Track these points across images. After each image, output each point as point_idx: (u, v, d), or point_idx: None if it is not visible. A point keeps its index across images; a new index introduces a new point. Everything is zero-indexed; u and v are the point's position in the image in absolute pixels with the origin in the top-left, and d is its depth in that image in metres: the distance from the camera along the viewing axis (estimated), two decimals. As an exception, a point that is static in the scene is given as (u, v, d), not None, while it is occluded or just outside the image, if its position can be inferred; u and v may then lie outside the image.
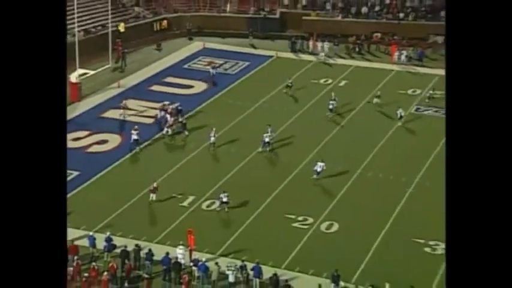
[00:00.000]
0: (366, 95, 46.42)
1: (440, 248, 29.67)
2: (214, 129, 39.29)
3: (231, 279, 27.46)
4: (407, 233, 31.05)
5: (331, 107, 42.95)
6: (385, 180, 35.92)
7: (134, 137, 38.72)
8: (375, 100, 45.10)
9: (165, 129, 40.76)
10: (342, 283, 27.13)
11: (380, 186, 35.53)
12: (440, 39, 54.57)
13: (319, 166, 35.63)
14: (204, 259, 28.46)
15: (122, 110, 42.74)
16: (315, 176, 35.69)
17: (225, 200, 32.77)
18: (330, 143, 40.16)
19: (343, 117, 43.45)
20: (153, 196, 33.35)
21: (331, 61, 53.02)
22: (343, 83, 49.00)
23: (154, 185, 33.44)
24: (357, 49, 54.48)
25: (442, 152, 38.03)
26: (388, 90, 47.01)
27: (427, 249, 29.94)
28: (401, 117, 42.06)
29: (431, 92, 46.58)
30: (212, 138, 38.76)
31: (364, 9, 58.65)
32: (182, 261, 28.50)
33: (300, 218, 32.32)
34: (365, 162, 37.62)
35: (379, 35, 56.06)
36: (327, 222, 32.17)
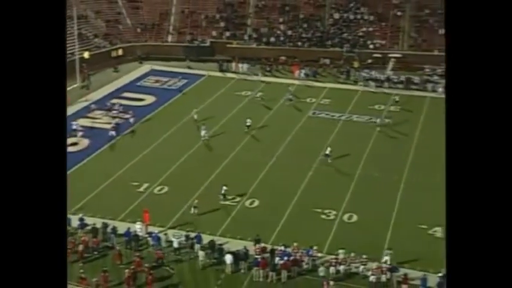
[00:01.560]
0: (277, 101, 46.67)
1: (333, 214, 30.17)
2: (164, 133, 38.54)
3: (175, 245, 27.22)
4: (309, 205, 31.31)
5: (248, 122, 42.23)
6: (291, 165, 36.09)
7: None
8: (287, 103, 45.80)
9: (118, 133, 40.05)
10: (262, 244, 27.10)
11: (288, 171, 35.62)
12: (327, 61, 55.53)
13: (328, 150, 36.38)
14: (156, 231, 28.07)
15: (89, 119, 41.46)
16: (329, 160, 36.01)
17: (223, 192, 31.58)
18: (257, 131, 40.10)
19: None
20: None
21: (249, 78, 53.01)
22: (259, 94, 49.09)
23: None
24: (268, 68, 54.81)
25: (330, 139, 38.78)
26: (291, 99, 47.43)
27: (323, 216, 30.29)
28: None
29: (325, 100, 47.31)
30: (160, 139, 38.03)
31: (272, 39, 59.00)
32: (140, 234, 28.02)
33: (230, 197, 32.10)
34: (280, 150, 37.77)
35: (283, 58, 56.52)
36: (250, 200, 32.09)
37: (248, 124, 41.13)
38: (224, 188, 31.96)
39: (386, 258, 25.77)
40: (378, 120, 41.95)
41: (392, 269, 25.13)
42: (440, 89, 47.57)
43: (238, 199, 32.00)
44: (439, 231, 28.24)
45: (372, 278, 24.86)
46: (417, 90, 49.44)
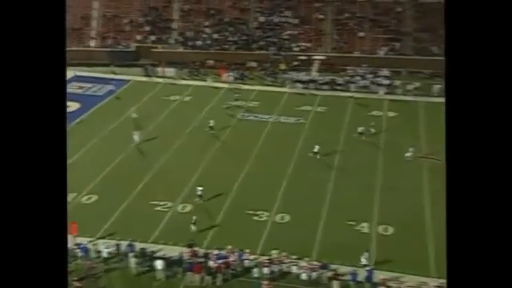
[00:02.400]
0: (206, 105, 46.61)
1: (265, 215, 30.60)
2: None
3: (105, 254, 26.79)
4: (242, 207, 31.58)
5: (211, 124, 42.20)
6: (223, 168, 36.23)
7: None
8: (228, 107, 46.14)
9: None
10: (195, 248, 27.08)
11: (219, 174, 35.71)
12: (254, 64, 56.13)
13: (316, 148, 37.34)
14: (85, 242, 27.41)
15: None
16: (318, 156, 37.02)
17: (199, 193, 31.66)
18: (190, 136, 39.86)
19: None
20: None
21: (176, 82, 52.63)
22: (187, 98, 48.86)
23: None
24: (195, 72, 54.64)
25: (261, 141, 39.26)
26: (222, 103, 47.61)
27: (256, 218, 30.65)
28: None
29: (254, 102, 47.81)
30: (88, 146, 37.10)
31: (198, 43, 58.86)
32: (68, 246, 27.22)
33: (162, 203, 31.79)
34: (211, 153, 37.77)
35: (211, 61, 56.52)
36: (182, 205, 31.93)
37: (211, 125, 41.43)
38: (199, 188, 31.90)
39: (363, 259, 26.10)
40: (360, 129, 41.23)
41: (323, 266, 25.84)
42: (353, 88, 49.31)
43: (170, 204, 31.75)
44: (366, 227, 29.33)
45: (304, 276, 25.46)
46: (341, 90, 51.03)
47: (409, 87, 50.14)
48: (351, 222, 29.89)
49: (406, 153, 37.79)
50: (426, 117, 44.65)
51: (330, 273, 25.48)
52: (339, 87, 51.32)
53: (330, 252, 27.00)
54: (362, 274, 25.29)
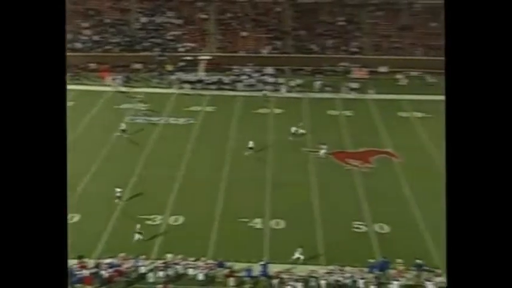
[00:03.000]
0: (91, 109, 44.93)
1: (159, 218, 30.21)
2: None
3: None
4: (133, 212, 30.90)
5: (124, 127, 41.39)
6: (111, 174, 35.22)
7: None
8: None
9: None
10: (85, 259, 26.10)
11: (108, 181, 34.65)
12: (139, 65, 55.07)
13: (251, 144, 37.87)
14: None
15: None
16: (247, 154, 37.49)
17: (118, 194, 31.25)
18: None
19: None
20: None
21: (57, 87, 50.10)
22: (71, 103, 46.74)
23: None
24: (76, 77, 52.44)
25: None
26: (105, 106, 46.17)
27: (149, 222, 30.17)
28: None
29: (146, 105, 46.99)
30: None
31: (78, 45, 56.55)
32: None
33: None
34: (97, 159, 36.45)
35: (93, 64, 54.57)
36: (70, 215, 30.60)
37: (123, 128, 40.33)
38: (118, 190, 31.30)
39: (297, 255, 26.28)
40: (293, 129, 41.38)
41: (219, 264, 26.06)
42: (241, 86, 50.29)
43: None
44: (259, 223, 30.00)
45: (200, 276, 25.51)
46: (229, 90, 51.60)
47: (293, 83, 51.93)
48: (244, 219, 30.39)
49: (310, 150, 39.09)
50: (310, 112, 46.50)
51: (225, 271, 25.74)
52: (226, 87, 51.86)
53: (225, 250, 27.27)
54: (257, 269, 25.83)
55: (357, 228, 29.70)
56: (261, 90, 51.31)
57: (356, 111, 46.53)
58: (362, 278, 25.03)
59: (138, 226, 28.53)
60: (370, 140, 40.63)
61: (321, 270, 25.72)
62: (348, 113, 46.31)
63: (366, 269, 25.57)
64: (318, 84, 51.58)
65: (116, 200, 31.43)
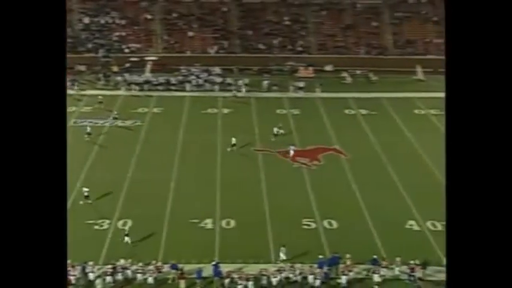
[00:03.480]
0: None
1: (106, 223, 29.57)
2: None
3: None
4: (81, 217, 30.14)
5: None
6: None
7: None
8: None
9: None
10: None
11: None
12: (83, 67, 53.72)
13: (234, 140, 38.25)
14: None
15: None
16: (229, 150, 38.07)
17: (86, 194, 31.05)
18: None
19: None
20: None
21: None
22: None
23: None
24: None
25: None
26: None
27: (97, 227, 29.49)
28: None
29: (86, 108, 45.78)
30: None
31: (19, 47, 54.51)
32: None
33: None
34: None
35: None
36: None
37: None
38: (85, 189, 30.91)
39: (281, 255, 26.22)
40: (275, 130, 41.10)
41: (172, 266, 25.75)
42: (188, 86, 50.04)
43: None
44: (209, 223, 29.86)
45: (150, 280, 25.15)
46: (176, 90, 51.10)
47: (241, 83, 52.00)
48: (194, 220, 30.17)
49: (259, 149, 39.18)
50: (258, 112, 46.70)
51: (176, 273, 25.47)
52: (173, 88, 51.34)
53: (176, 252, 26.97)
54: (209, 270, 25.69)
55: (306, 225, 30.03)
56: (209, 91, 51.12)
57: (303, 110, 47.07)
58: (312, 274, 25.31)
59: (127, 228, 28.82)
60: (318, 137, 41.18)
61: (271, 268, 25.85)
62: (295, 111, 46.79)
63: (316, 265, 25.86)
64: (265, 83, 51.86)
65: (81, 202, 30.89)
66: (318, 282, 25.20)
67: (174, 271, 25.52)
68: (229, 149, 38.41)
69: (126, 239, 27.78)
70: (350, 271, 25.58)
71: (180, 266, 25.90)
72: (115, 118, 43.84)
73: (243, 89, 50.62)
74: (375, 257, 26.11)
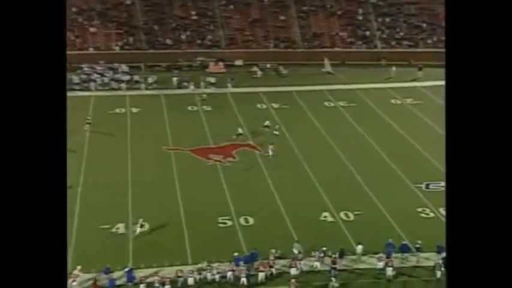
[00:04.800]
0: None
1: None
2: None
3: None
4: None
5: None
6: None
7: None
8: None
9: None
10: None
11: None
12: None
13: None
14: None
15: None
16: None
17: None
18: None
19: None
20: None
21: None
22: None
23: None
24: None
25: None
26: None
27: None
28: None
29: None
30: None
31: None
32: None
33: None
34: None
35: None
36: None
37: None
38: None
39: (295, 250, 26.52)
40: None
41: (105, 270, 25.01)
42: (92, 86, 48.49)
43: None
44: (121, 228, 29.19)
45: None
46: (79, 90, 49.27)
47: (150, 80, 51.07)
48: (105, 226, 29.35)
49: (170, 148, 38.58)
50: (169, 109, 46.17)
51: (90, 282, 24.69)
52: (77, 87, 49.43)
53: (89, 260, 26.09)
54: (122, 276, 25.11)
55: (222, 223, 30.15)
56: (115, 89, 49.79)
57: (216, 106, 47.11)
58: (232, 270, 25.44)
59: (141, 220, 28.92)
60: (232, 133, 41.42)
61: (188, 268, 25.70)
62: (207, 107, 46.72)
63: (233, 263, 26.04)
64: (175, 80, 51.32)
65: None
66: (242, 280, 25.38)
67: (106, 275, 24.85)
68: (234, 137, 38.69)
69: (139, 229, 28.33)
70: (271, 266, 25.93)
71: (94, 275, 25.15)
72: None
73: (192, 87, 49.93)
74: (295, 250, 26.73)
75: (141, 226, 28.79)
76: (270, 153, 37.75)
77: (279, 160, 37.66)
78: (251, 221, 30.42)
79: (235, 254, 26.41)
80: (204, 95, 48.16)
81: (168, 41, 58.34)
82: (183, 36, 59.01)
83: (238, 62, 56.77)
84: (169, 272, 25.62)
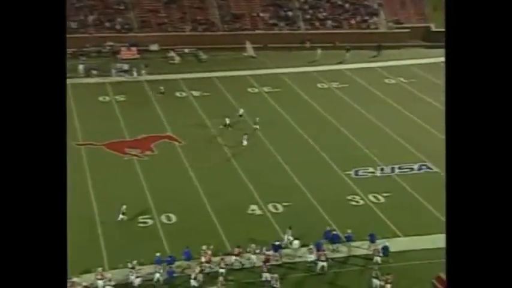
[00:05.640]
0: None
1: None
2: None
3: None
4: None
5: None
6: None
7: None
8: None
9: None
10: None
11: None
12: None
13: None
14: None
15: None
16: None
17: None
18: None
19: None
20: None
21: None
22: None
23: None
24: None
25: None
26: None
27: None
28: None
29: None
30: None
31: None
32: None
33: None
34: None
35: None
36: None
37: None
38: None
39: (289, 237, 27.64)
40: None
41: None
42: None
43: None
44: None
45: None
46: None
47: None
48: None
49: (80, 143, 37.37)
50: (76, 100, 44.80)
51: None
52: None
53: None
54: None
55: (142, 222, 29.81)
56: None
57: (130, 95, 46.27)
58: (157, 272, 25.28)
59: (124, 207, 29.49)
60: (149, 125, 40.88)
61: (107, 274, 25.25)
62: (120, 97, 45.80)
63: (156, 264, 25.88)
64: (81, 67, 49.82)
65: None
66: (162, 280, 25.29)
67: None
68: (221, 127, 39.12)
69: (121, 216, 29.34)
70: (209, 262, 25.92)
71: None
72: None
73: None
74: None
75: (123, 213, 29.62)
76: (245, 143, 38.04)
77: (202, 152, 37.63)
78: (173, 218, 30.28)
79: (157, 254, 26.22)
80: (161, 88, 46.86)
81: (73, 24, 56.42)
82: (89, 19, 57.32)
83: (153, 47, 55.97)
84: (85, 279, 25.06)
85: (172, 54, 54.75)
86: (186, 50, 55.93)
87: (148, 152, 37.36)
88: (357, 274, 26.53)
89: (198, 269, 25.36)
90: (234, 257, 26.45)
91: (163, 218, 30.22)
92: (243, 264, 26.59)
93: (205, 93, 47.20)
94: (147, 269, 25.78)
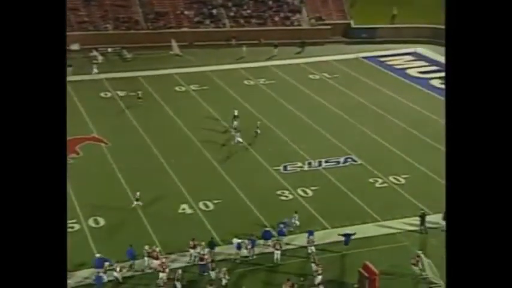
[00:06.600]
0: None
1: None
2: None
3: None
4: None
5: None
6: None
7: None
8: None
9: None
10: None
11: None
12: None
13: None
14: None
15: None
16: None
17: None
18: None
19: None
20: None
21: None
22: None
23: None
24: None
25: None
26: None
27: None
28: None
29: None
30: None
31: None
32: None
33: None
34: None
35: None
36: None
37: None
38: None
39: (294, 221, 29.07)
40: None
41: None
42: None
43: None
44: None
45: None
46: None
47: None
48: None
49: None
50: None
51: None
52: None
53: None
54: None
55: (69, 227, 29.14)
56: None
57: (51, 97, 44.91)
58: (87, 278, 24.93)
59: (138, 194, 30.64)
60: (73, 127, 39.83)
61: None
62: (41, 99, 44.39)
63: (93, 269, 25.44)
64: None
65: None
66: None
67: None
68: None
69: (135, 203, 30.11)
70: (158, 259, 25.75)
71: None
72: None
73: None
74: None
75: (137, 200, 30.66)
76: (238, 140, 38.24)
77: (130, 153, 37.15)
78: (101, 222, 29.77)
79: (97, 255, 25.90)
80: (139, 92, 45.31)
81: None
82: None
83: (74, 47, 54.48)
84: None
85: (95, 53, 53.54)
86: (110, 49, 54.87)
87: (73, 155, 36.44)
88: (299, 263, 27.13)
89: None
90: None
91: (91, 221, 29.65)
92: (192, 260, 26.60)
93: (131, 93, 46.49)
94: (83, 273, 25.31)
